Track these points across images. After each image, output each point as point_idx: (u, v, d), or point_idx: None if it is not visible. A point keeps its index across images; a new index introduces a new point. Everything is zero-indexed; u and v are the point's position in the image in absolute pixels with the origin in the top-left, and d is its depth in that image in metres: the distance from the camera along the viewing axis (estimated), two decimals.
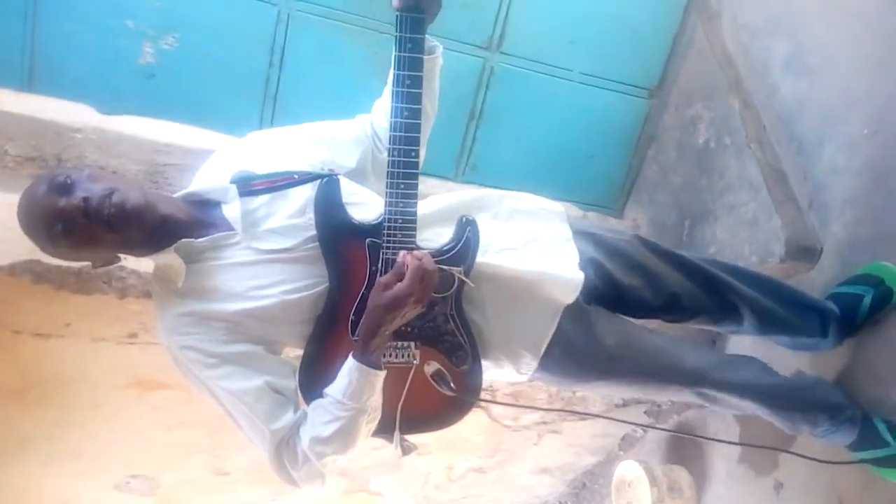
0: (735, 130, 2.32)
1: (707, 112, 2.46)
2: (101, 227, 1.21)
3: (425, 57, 1.36)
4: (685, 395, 1.60)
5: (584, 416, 2.55)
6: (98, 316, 1.99)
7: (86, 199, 1.19)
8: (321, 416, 1.26)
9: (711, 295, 1.66)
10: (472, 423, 2.62)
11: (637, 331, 1.53)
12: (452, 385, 1.31)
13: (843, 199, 2.02)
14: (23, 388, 2.20)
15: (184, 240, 1.28)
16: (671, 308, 1.62)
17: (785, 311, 1.74)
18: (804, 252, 2.05)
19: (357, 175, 1.46)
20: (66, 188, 1.21)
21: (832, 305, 1.83)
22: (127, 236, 1.24)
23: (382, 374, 1.25)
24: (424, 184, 1.36)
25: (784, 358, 1.89)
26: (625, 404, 2.59)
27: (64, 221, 1.20)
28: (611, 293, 1.52)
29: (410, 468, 2.77)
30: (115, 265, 1.54)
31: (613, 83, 2.60)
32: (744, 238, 2.20)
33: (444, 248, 1.31)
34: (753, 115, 2.32)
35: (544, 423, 2.75)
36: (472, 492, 2.98)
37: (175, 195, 1.38)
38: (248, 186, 1.32)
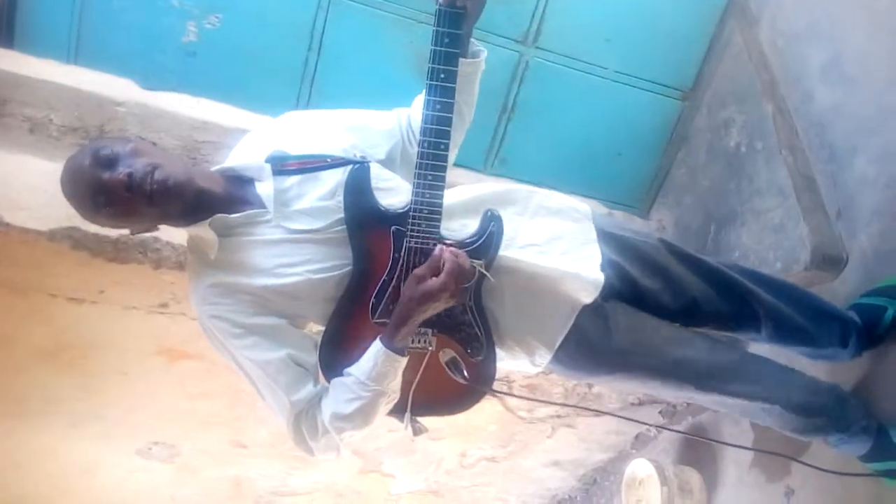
0: (767, 135, 2.31)
1: (740, 116, 2.45)
2: (142, 202, 1.26)
3: (468, 60, 1.39)
4: (699, 397, 1.61)
5: (598, 413, 2.57)
6: (131, 284, 2.06)
7: (129, 175, 1.24)
8: (343, 393, 1.30)
9: (731, 301, 1.66)
10: (487, 412, 2.65)
11: (653, 327, 1.53)
12: (466, 374, 1.33)
13: (871, 211, 2.01)
14: (54, 350, 2.28)
15: (218, 215, 1.32)
16: (690, 313, 1.62)
17: (805, 320, 1.73)
18: (829, 261, 2.04)
19: (385, 165, 1.48)
20: (110, 162, 1.26)
21: (854, 316, 1.82)
22: (166, 210, 1.29)
23: (405, 360, 1.29)
24: (452, 173, 1.38)
25: (800, 366, 1.89)
26: (640, 403, 2.60)
27: (107, 194, 1.25)
28: (630, 295, 1.53)
29: (423, 452, 2.81)
30: (151, 235, 1.61)
31: (647, 83, 2.61)
32: (769, 244, 2.20)
33: (468, 241, 1.33)
34: (786, 120, 2.31)
35: (559, 416, 2.78)
36: (483, 480, 3.01)
37: (212, 170, 1.42)
38: (282, 166, 1.36)
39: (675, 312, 1.58)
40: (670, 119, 2.67)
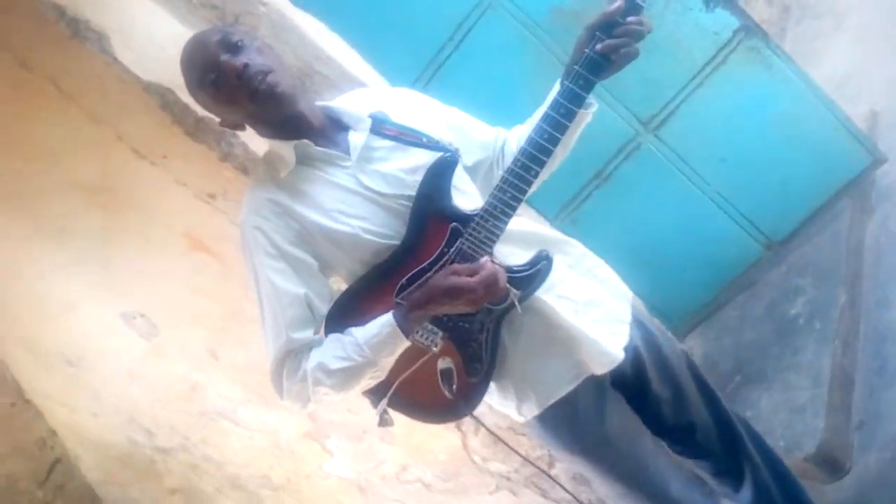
0: (829, 320, 2.25)
1: (812, 290, 2.40)
2: (245, 95, 1.29)
3: (581, 109, 1.39)
4: None
5: (545, 492, 2.53)
6: (193, 164, 2.11)
7: (245, 66, 1.28)
8: (336, 350, 1.30)
9: (726, 448, 1.62)
10: (446, 440, 2.63)
11: (642, 436, 1.51)
12: (454, 389, 1.33)
13: (893, 437, 1.95)
14: (95, 187, 2.34)
15: (305, 140, 1.35)
16: (682, 437, 1.59)
17: None
18: (832, 464, 1.98)
19: (468, 173, 1.49)
20: (234, 48, 1.30)
21: None
22: (262, 113, 1.33)
23: (407, 343, 1.29)
24: (522, 207, 1.38)
25: None
26: None
27: (218, 74, 1.29)
28: (636, 390, 1.51)
29: (370, 447, 2.80)
30: (236, 130, 1.64)
31: (741, 217, 2.58)
32: (783, 420, 2.14)
33: (514, 268, 1.34)
34: (854, 315, 2.25)
35: (508, 479, 2.74)
36: (410, 501, 2.98)
37: (317, 102, 1.45)
38: (381, 127, 1.39)
39: (669, 429, 1.56)
40: (747, 260, 2.63)
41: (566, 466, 2.33)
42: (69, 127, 2.18)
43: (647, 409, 1.52)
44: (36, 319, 2.94)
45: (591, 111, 1.45)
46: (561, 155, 1.51)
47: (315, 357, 1.32)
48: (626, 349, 1.43)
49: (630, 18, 1.27)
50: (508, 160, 1.42)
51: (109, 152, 2.20)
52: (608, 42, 1.26)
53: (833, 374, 2.12)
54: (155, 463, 3.31)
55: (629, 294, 1.55)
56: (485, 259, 1.27)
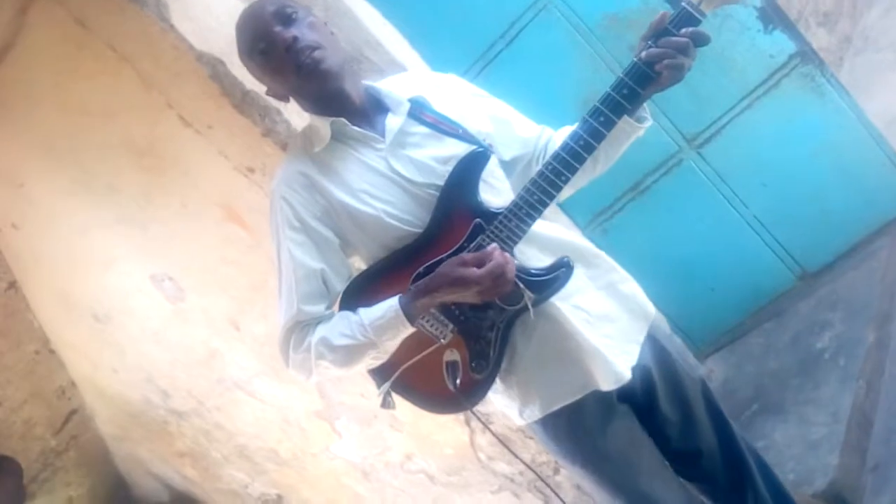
0: (854, 358, 2.21)
1: (841, 325, 2.35)
2: (290, 68, 1.32)
3: (631, 120, 1.38)
4: None
5: (548, 498, 2.53)
6: (236, 136, 2.14)
7: (295, 39, 1.30)
8: (342, 326, 1.32)
9: (731, 478, 1.59)
10: (454, 434, 2.63)
11: (647, 453, 1.49)
12: (458, 382, 1.33)
13: None
14: (142, 149, 2.39)
15: (342, 119, 1.36)
16: (687, 461, 1.56)
17: None
18: (840, 503, 1.94)
19: (505, 167, 1.49)
20: (287, 20, 1.33)
21: None
22: (305, 87, 1.35)
23: (411, 330, 1.29)
24: (552, 209, 1.38)
25: None
26: None
27: (268, 43, 1.32)
28: (643, 409, 1.49)
29: (378, 433, 2.82)
30: (275, 106, 1.67)
31: (777, 244, 2.54)
32: (795, 453, 2.11)
33: (533, 271, 1.33)
34: (881, 356, 2.20)
35: (512, 480, 2.74)
36: (413, 491, 3.00)
37: (363, 82, 1.46)
38: (419, 112, 1.40)
39: (673, 452, 1.53)
40: (778, 288, 2.59)
41: (570, 474, 2.32)
42: (122, 89, 2.23)
43: (653, 430, 1.50)
44: (71, 272, 3.03)
45: (644, 126, 1.43)
46: (603, 165, 1.50)
47: (321, 331, 1.33)
48: (634, 369, 1.42)
49: (684, 30, 1.24)
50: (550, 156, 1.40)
51: (158, 117, 2.25)
52: (651, 50, 1.24)
53: (853, 413, 2.08)
54: (168, 424, 3.38)
55: (651, 313, 1.52)
56: (492, 246, 1.26)
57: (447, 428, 2.52)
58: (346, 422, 2.88)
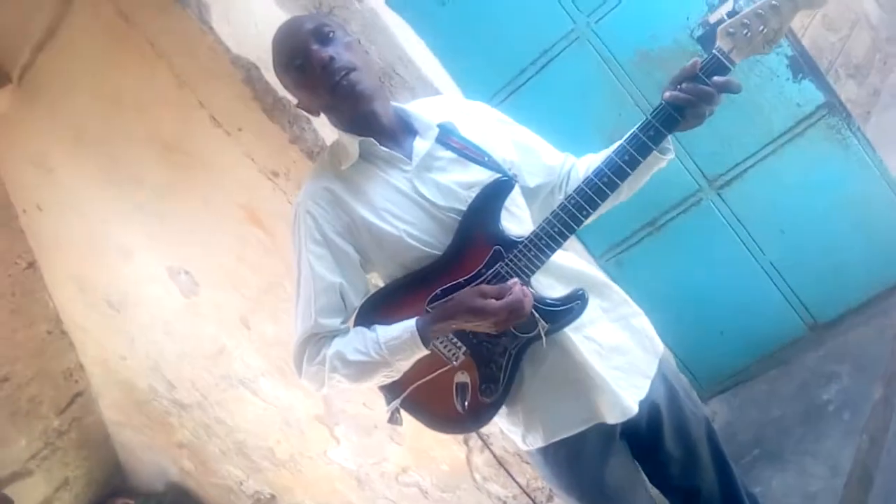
0: (859, 413, 2.20)
1: (848, 379, 2.34)
2: (325, 87, 1.35)
3: (655, 150, 1.40)
4: None
5: None
6: (264, 141, 2.17)
7: (331, 59, 1.33)
8: (358, 343, 1.35)
9: None
10: (451, 452, 2.64)
11: (642, 494, 1.50)
12: (466, 405, 1.35)
13: None
14: (170, 144, 2.43)
15: (371, 139, 1.39)
16: (685, 498, 1.58)
17: None
18: None
19: (527, 195, 1.51)
20: (325, 39, 1.36)
21: None
22: (338, 106, 1.38)
23: (425, 352, 1.32)
24: (569, 240, 1.39)
25: None
26: None
27: (304, 60, 1.35)
28: (647, 444, 1.50)
29: (377, 443, 2.83)
30: (306, 114, 1.69)
31: (790, 292, 2.53)
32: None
33: (548, 300, 1.35)
34: (886, 414, 2.20)
35: (504, 503, 2.73)
36: (404, 502, 3.00)
37: (393, 103, 1.50)
38: (447, 138, 1.42)
39: (673, 489, 1.55)
40: (787, 337, 2.58)
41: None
42: (156, 84, 2.27)
43: (655, 465, 1.51)
44: (89, 257, 3.07)
45: (668, 157, 1.45)
46: (626, 195, 1.51)
47: (336, 345, 1.36)
48: (641, 403, 1.43)
49: (715, 79, 1.25)
50: (572, 187, 1.43)
51: (189, 115, 2.28)
52: (674, 93, 1.26)
53: (853, 467, 2.07)
54: (170, 415, 3.41)
55: (661, 349, 1.54)
56: (513, 281, 1.28)
57: (445, 444, 2.53)
58: (345, 429, 2.89)
